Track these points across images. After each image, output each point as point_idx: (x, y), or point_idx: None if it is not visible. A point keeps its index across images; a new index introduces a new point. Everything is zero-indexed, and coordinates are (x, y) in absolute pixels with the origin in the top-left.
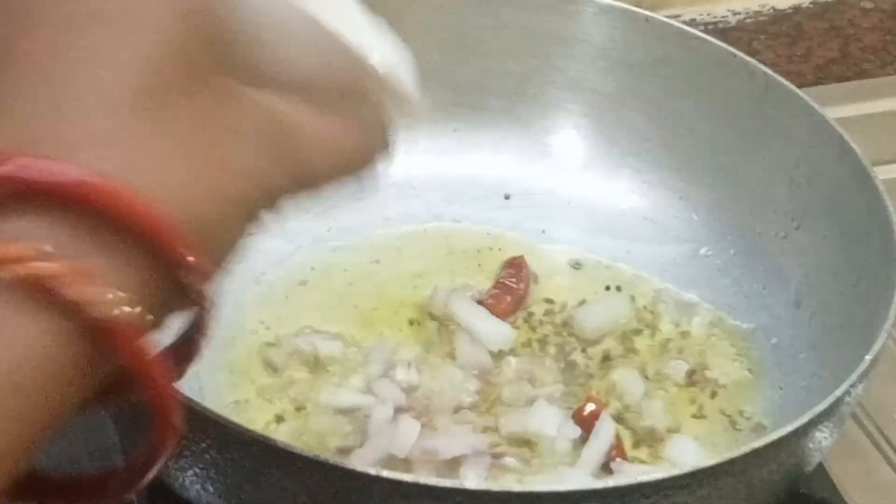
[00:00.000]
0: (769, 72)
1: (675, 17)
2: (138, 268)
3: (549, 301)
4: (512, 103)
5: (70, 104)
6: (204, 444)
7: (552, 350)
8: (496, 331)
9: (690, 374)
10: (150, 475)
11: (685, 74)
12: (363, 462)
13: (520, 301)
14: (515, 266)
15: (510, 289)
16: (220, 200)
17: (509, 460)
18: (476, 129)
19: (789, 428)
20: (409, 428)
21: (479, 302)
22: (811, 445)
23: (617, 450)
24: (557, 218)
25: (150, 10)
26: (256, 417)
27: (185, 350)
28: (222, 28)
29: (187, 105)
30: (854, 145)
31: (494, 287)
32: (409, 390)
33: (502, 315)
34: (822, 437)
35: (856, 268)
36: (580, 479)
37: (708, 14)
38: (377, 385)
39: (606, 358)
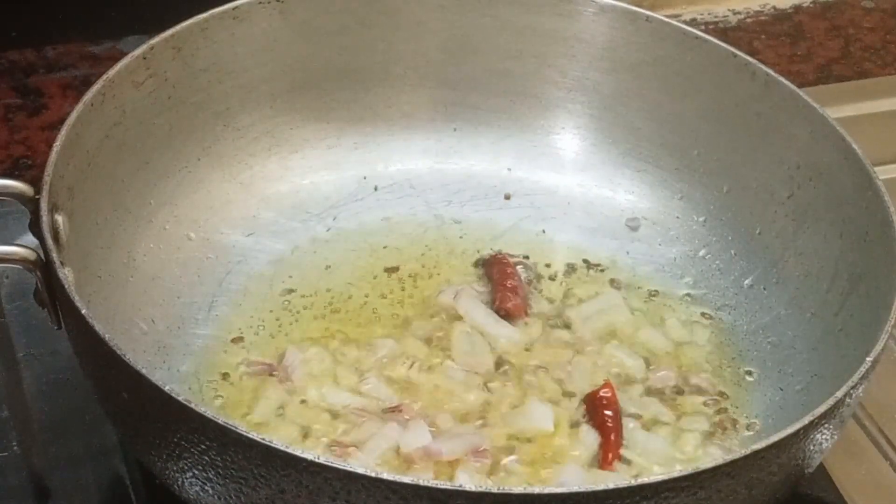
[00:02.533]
0: (770, 72)
1: (676, 16)
2: None
3: (549, 301)
4: (512, 103)
5: None
6: (203, 446)
7: (550, 349)
8: (501, 331)
9: (690, 374)
10: None
11: (685, 74)
12: (363, 463)
13: (525, 300)
14: (499, 263)
15: (514, 289)
16: None
17: (510, 460)
18: (476, 129)
19: (790, 429)
20: (420, 433)
21: (483, 303)
22: (812, 447)
23: (612, 451)
24: (557, 218)
25: None
26: (255, 418)
27: None
28: None
29: None
30: (854, 145)
31: (496, 289)
32: (410, 390)
33: (514, 314)
34: (823, 439)
35: (856, 268)
36: (580, 480)
37: (708, 14)
38: (376, 385)
39: (605, 357)
